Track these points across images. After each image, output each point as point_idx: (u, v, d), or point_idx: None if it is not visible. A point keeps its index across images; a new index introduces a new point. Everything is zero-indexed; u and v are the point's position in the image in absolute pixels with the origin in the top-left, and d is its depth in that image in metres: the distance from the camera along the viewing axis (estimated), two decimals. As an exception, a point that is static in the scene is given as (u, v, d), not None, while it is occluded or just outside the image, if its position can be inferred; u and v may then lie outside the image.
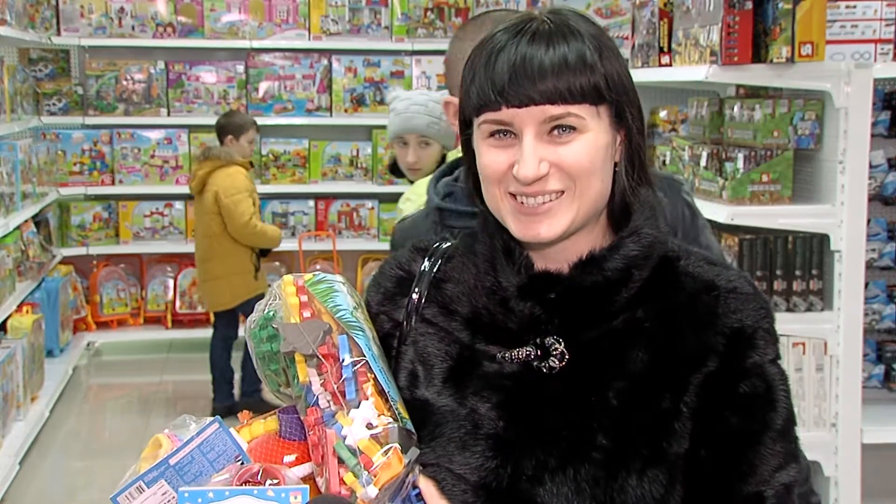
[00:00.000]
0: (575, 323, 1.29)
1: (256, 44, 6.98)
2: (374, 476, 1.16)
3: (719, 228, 3.20)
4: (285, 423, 1.29)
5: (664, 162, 3.64)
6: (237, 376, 5.79)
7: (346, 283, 1.35)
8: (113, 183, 6.96)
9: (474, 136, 1.30)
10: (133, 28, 6.90)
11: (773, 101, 3.10)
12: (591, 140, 1.24)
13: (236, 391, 5.80)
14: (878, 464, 3.27)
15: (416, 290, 1.38)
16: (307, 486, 1.16)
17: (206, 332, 6.13)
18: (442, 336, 1.35)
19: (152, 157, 6.97)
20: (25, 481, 4.82)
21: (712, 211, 3.07)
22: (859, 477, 3.15)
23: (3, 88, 5.40)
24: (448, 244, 1.42)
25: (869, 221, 3.26)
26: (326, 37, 7.01)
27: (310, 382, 1.24)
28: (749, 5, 2.95)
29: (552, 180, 1.24)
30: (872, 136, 3.11)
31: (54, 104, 6.85)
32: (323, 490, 1.20)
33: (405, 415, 1.24)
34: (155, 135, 6.98)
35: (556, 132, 1.24)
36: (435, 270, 1.39)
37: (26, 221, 5.79)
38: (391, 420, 1.20)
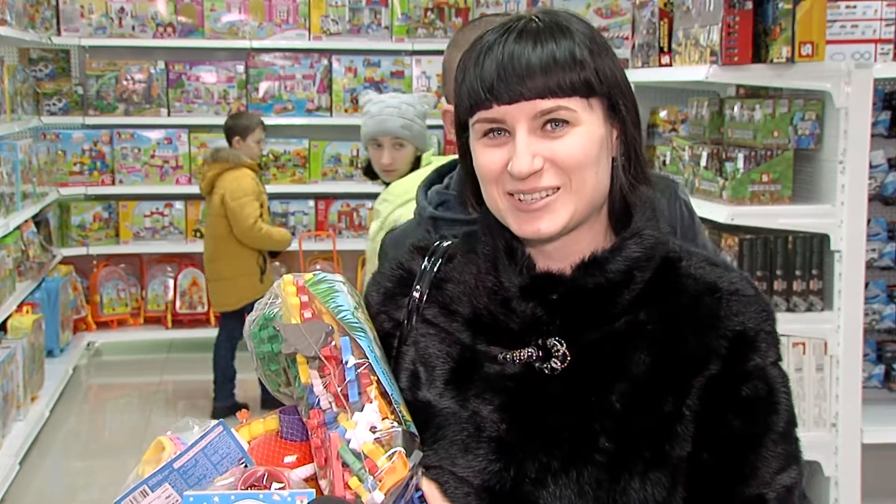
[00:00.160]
0: (577, 324, 1.29)
1: (256, 44, 6.97)
2: (380, 481, 1.15)
3: (719, 228, 3.19)
4: (286, 423, 1.28)
5: (664, 162, 3.64)
6: (239, 377, 5.79)
7: (346, 283, 1.35)
8: (113, 183, 6.96)
9: (470, 138, 1.30)
10: (133, 28, 6.90)
11: (773, 101, 3.10)
12: (585, 133, 1.24)
13: (237, 392, 5.80)
14: (878, 464, 3.27)
15: (417, 288, 1.38)
16: (313, 490, 1.16)
17: (207, 332, 6.12)
18: (443, 337, 1.34)
19: (152, 157, 6.96)
20: (25, 481, 4.81)
21: (712, 211, 3.07)
22: (859, 477, 3.15)
23: (4, 88, 5.39)
24: (448, 243, 1.42)
25: (869, 221, 3.26)
26: (326, 37, 7.01)
27: (312, 384, 1.23)
28: (749, 5, 2.95)
29: (547, 176, 1.24)
30: (872, 136, 3.11)
31: (54, 104, 6.84)
32: (326, 493, 1.19)
33: (408, 417, 1.24)
34: (155, 135, 6.98)
35: (548, 126, 1.24)
36: (436, 270, 1.38)
37: (26, 221, 5.78)
38: (395, 423, 1.20)
